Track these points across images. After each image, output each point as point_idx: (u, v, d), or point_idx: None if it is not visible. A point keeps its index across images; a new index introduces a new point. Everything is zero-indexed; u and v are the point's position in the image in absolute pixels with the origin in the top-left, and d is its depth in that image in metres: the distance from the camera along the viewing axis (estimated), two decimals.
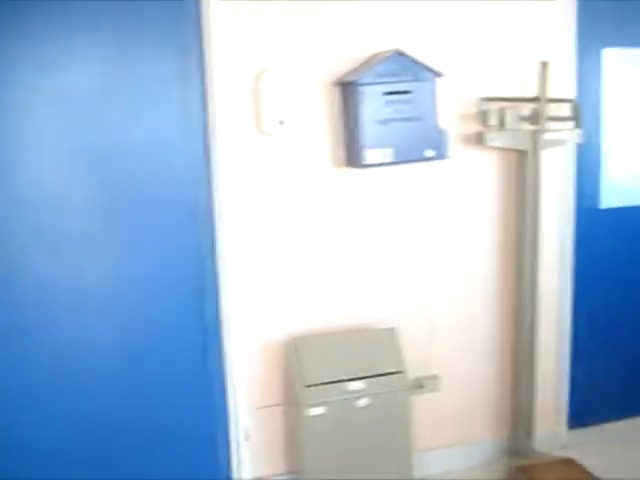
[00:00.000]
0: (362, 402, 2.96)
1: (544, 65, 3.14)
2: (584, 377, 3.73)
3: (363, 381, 2.96)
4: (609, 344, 3.79)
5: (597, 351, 3.76)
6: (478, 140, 3.20)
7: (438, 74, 2.97)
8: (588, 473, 3.27)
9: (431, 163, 3.09)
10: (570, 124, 3.27)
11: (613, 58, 3.52)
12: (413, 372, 3.22)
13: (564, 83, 3.34)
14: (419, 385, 3.29)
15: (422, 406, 3.31)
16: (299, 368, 2.96)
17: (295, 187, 3.03)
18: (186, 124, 2.88)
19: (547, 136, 3.21)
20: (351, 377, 2.96)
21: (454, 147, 3.18)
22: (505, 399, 3.52)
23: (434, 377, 3.35)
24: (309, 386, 2.91)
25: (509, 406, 3.53)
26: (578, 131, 3.29)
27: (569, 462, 3.37)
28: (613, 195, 3.65)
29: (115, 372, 2.94)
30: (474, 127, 3.22)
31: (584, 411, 3.77)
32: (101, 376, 2.92)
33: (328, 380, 2.94)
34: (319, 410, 2.92)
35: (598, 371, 3.78)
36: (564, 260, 3.52)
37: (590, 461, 3.42)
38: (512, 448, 3.54)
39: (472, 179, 3.29)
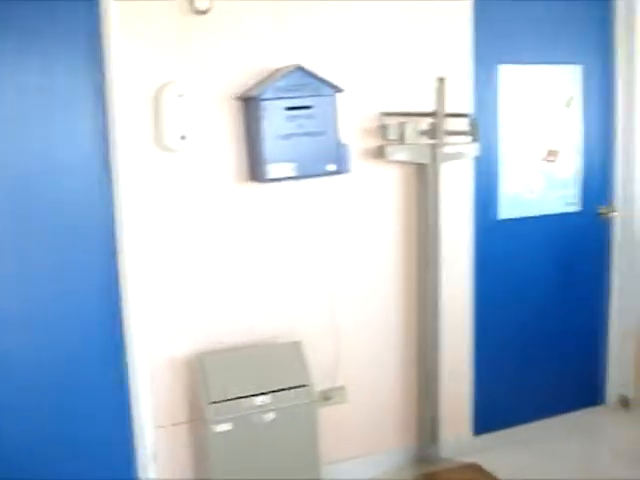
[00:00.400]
0: (269, 417, 2.96)
1: (441, 81, 3.23)
2: (488, 384, 3.83)
3: (269, 396, 2.96)
4: (510, 352, 3.91)
5: (499, 359, 3.87)
6: (379, 154, 3.26)
7: (338, 89, 3.01)
8: (492, 477, 3.37)
9: (333, 177, 3.13)
10: (468, 138, 3.38)
11: (507, 74, 3.66)
12: (320, 384, 3.24)
13: (462, 98, 3.45)
14: (326, 397, 3.32)
15: (330, 418, 3.33)
16: (204, 384, 2.93)
17: (198, 202, 3.01)
18: (85, 140, 2.82)
19: (446, 150, 3.31)
20: (257, 392, 2.95)
21: (356, 161, 3.23)
22: (411, 408, 3.59)
23: (341, 388, 3.38)
24: (215, 402, 2.89)
25: (415, 414, 3.59)
26: (475, 145, 3.40)
27: (474, 467, 3.46)
28: (509, 206, 3.78)
29: (17, 392, 2.84)
30: (375, 141, 3.28)
31: (488, 417, 3.87)
32: (2, 395, 2.82)
33: (234, 396, 2.92)
34: (225, 426, 2.90)
35: (500, 378, 3.89)
36: (465, 270, 3.61)
37: (494, 465, 3.52)
38: (419, 456, 3.60)
39: (374, 192, 3.35)
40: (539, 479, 3.45)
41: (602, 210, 4.01)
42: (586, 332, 4.12)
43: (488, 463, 3.54)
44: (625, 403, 4.18)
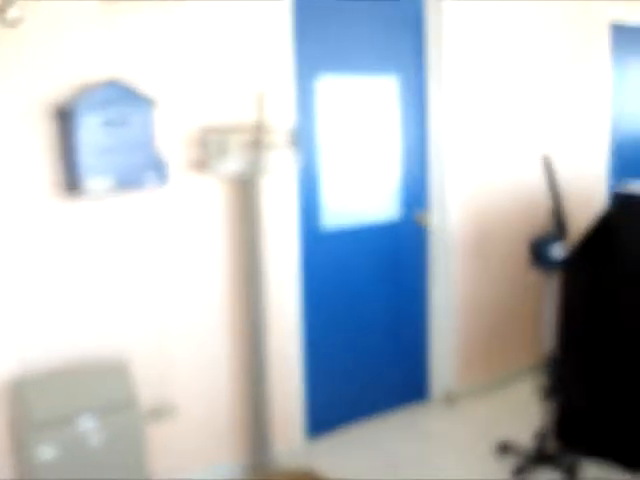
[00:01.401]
0: (94, 440, 2.86)
1: (260, 94, 3.28)
2: (319, 389, 3.93)
3: (94, 418, 2.86)
4: (340, 357, 4.03)
5: (329, 364, 3.98)
6: (201, 167, 3.26)
7: (154, 102, 2.99)
8: None
9: (155, 191, 3.10)
10: (289, 150, 3.45)
11: (329, 85, 3.77)
12: (148, 402, 3.18)
13: (284, 109, 3.51)
14: (156, 415, 3.26)
15: (160, 435, 3.28)
16: (25, 409, 2.80)
17: (11, 218, 2.88)
18: None
19: (267, 162, 3.35)
20: (81, 415, 2.85)
21: (179, 174, 3.22)
22: (243, 418, 3.60)
23: (171, 405, 3.33)
24: (36, 427, 2.76)
25: (246, 424, 3.60)
26: (297, 157, 3.47)
27: (307, 472, 3.51)
28: (334, 217, 3.89)
29: None
30: (198, 154, 3.27)
31: (322, 420, 3.97)
32: None
33: (56, 420, 2.81)
34: (49, 453, 2.78)
35: (332, 382, 4.00)
36: (291, 280, 3.68)
37: (328, 468, 3.60)
38: (253, 465, 3.61)
39: (198, 206, 3.34)
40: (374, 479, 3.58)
41: (419, 217, 4.22)
42: (410, 332, 4.32)
43: (321, 466, 3.62)
44: (450, 399, 4.42)
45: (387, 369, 4.24)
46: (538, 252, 3.45)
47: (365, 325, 4.11)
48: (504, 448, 3.77)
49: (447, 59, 4.11)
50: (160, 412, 3.28)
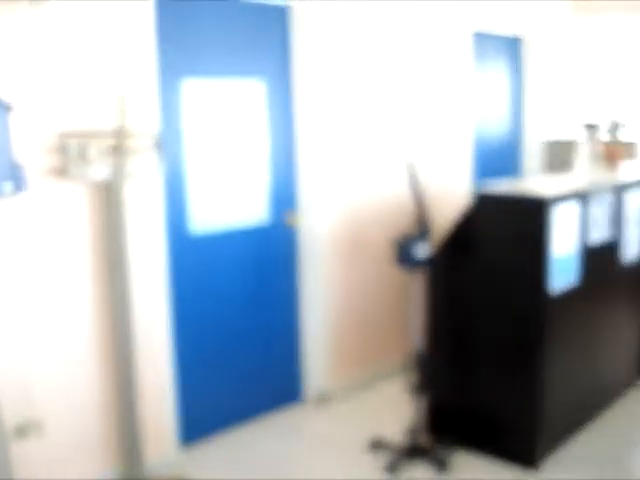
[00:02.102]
0: None
1: (121, 98, 3.21)
2: (193, 397, 3.88)
3: None
4: (213, 363, 3.99)
5: (202, 371, 3.94)
6: (62, 174, 3.15)
7: (10, 107, 2.86)
8: None
9: (12, 199, 2.96)
10: (154, 155, 3.39)
11: (195, 88, 3.73)
12: (13, 420, 3.04)
13: (147, 114, 3.44)
14: (21, 432, 3.12)
15: (33, 452, 3.14)
16: None
17: None
18: None
19: (131, 168, 3.28)
20: None
21: (38, 182, 3.09)
22: (114, 430, 3.50)
23: (37, 422, 3.20)
24: None
25: (118, 436, 3.51)
26: (162, 162, 3.42)
27: None
28: (203, 222, 3.86)
29: None
30: (58, 161, 3.16)
31: (197, 428, 3.92)
32: None
33: None
34: None
35: (205, 389, 3.96)
36: (160, 287, 3.61)
37: (204, 474, 3.57)
38: (127, 477, 3.52)
39: (59, 214, 3.22)
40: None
41: (289, 220, 4.26)
42: (283, 335, 4.34)
43: (197, 474, 3.58)
44: (324, 399, 4.47)
45: (260, 373, 4.25)
46: (403, 252, 3.55)
47: (237, 330, 4.09)
48: (377, 445, 3.85)
49: (313, 63, 4.16)
50: (25, 430, 3.14)
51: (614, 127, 4.86)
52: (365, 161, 4.57)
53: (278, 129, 4.16)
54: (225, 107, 3.89)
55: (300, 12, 4.12)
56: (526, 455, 3.65)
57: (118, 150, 3.21)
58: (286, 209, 4.26)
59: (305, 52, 4.15)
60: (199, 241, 3.85)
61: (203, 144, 3.82)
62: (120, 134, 3.20)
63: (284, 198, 4.24)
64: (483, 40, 5.56)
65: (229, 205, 3.96)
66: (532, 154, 6.07)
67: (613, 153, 4.69)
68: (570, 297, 3.74)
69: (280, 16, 4.10)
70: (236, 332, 4.09)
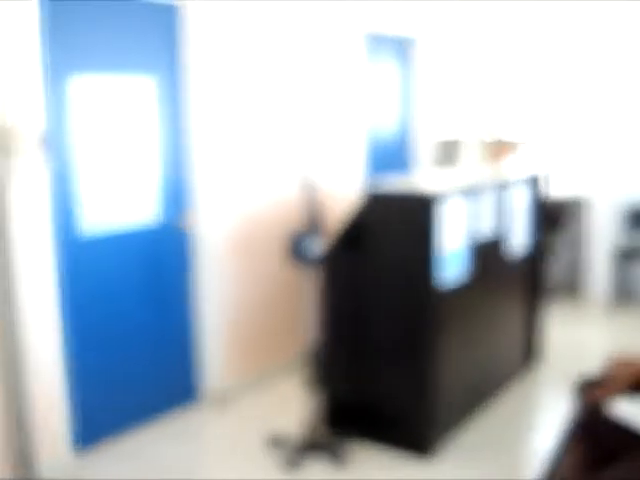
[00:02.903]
0: None
1: (2, 97, 3.11)
2: (87, 401, 3.80)
3: None
4: (108, 366, 3.92)
5: (98, 374, 3.86)
6: None
7: None
8: None
9: None
10: (39, 155, 3.30)
11: (83, 85, 3.64)
12: None
13: (32, 113, 3.34)
14: None
15: None
16: None
17: None
18: None
19: (14, 168, 3.18)
20: None
21: None
22: (5, 435, 3.39)
23: None
24: None
25: (9, 441, 3.40)
26: (48, 161, 3.33)
27: None
28: (92, 224, 3.78)
29: None
30: None
31: (92, 433, 3.84)
32: None
33: None
34: None
35: (100, 393, 3.88)
36: (49, 290, 3.52)
37: (99, 478, 3.51)
38: None
39: None
40: None
41: (182, 220, 4.23)
42: (178, 336, 4.31)
43: (89, 478, 3.52)
44: (221, 398, 4.46)
45: (157, 375, 4.20)
46: (296, 249, 3.59)
47: (132, 333, 4.03)
48: (275, 442, 3.88)
49: (204, 62, 4.14)
50: None
51: (499, 126, 5.06)
52: (258, 160, 4.59)
53: (170, 128, 4.12)
54: (115, 104, 3.82)
55: (190, 11, 4.10)
56: (420, 444, 3.76)
57: (0, 150, 3.11)
58: (180, 209, 4.22)
59: (196, 51, 4.13)
60: (90, 243, 3.77)
61: (93, 142, 3.73)
62: (2, 134, 3.10)
63: (177, 198, 4.21)
64: (375, 41, 5.67)
65: (121, 206, 3.90)
66: (423, 153, 6.24)
67: (498, 151, 4.88)
68: (459, 291, 3.88)
69: (170, 14, 4.06)
70: (131, 335, 4.03)
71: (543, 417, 4.29)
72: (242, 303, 4.57)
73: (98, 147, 3.76)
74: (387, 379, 3.81)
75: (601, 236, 6.48)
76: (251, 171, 4.55)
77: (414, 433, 3.78)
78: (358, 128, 5.42)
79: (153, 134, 4.03)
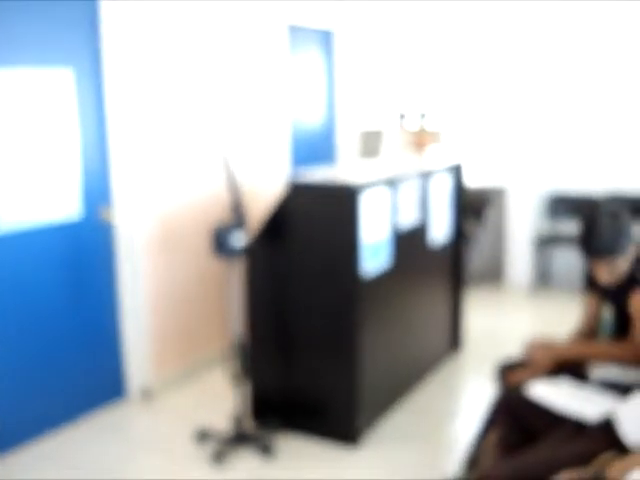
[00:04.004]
0: None
1: None
2: (6, 405, 3.69)
3: None
4: (28, 368, 3.81)
5: (16, 377, 3.75)
6: None
7: None
8: None
9: None
10: None
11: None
12: None
13: None
14: None
15: None
16: None
17: None
18: None
19: None
20: None
21: None
22: None
23: None
24: None
25: None
26: None
27: None
28: (6, 220, 3.65)
29: None
30: None
31: (12, 436, 3.74)
32: None
33: None
34: None
35: (20, 396, 3.77)
36: None
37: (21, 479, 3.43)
38: None
39: None
40: None
41: (104, 215, 4.14)
42: (101, 333, 4.22)
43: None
44: (147, 394, 4.40)
45: (81, 373, 4.10)
46: (220, 241, 3.56)
47: (53, 331, 3.93)
48: (203, 436, 3.84)
49: (124, 55, 4.06)
50: None
51: (421, 116, 5.12)
52: (181, 153, 4.53)
53: (89, 121, 4.02)
54: (31, 98, 3.70)
55: (110, 6, 4.00)
56: (347, 433, 3.79)
57: None
58: (100, 203, 4.13)
59: (116, 42, 4.03)
60: (6, 239, 3.65)
61: (8, 136, 3.61)
62: None
63: (98, 192, 4.11)
64: (298, 33, 5.66)
65: (38, 201, 3.78)
66: (347, 143, 6.27)
67: (420, 141, 4.94)
68: (382, 279, 3.91)
69: (90, 7, 3.96)
70: (52, 333, 3.92)
71: (467, 401, 4.38)
72: (167, 297, 4.51)
73: (15, 140, 3.64)
74: (313, 369, 3.82)
75: (521, 224, 6.65)
76: (174, 164, 4.48)
77: (341, 423, 3.81)
78: (281, 120, 5.40)
79: (72, 127, 3.92)
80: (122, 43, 4.06)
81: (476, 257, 6.76)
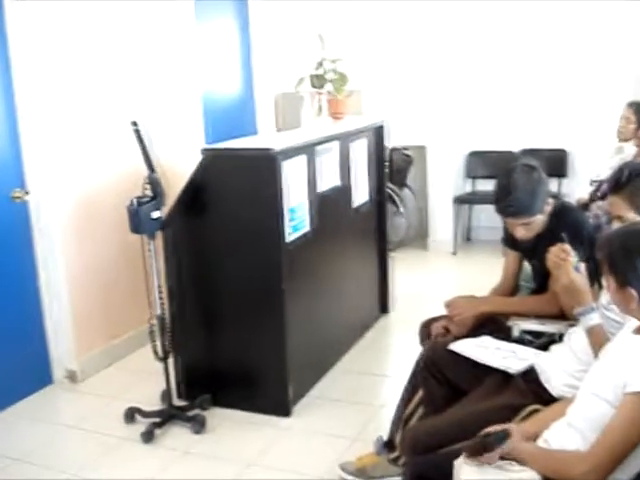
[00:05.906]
0: None
1: None
2: None
3: None
4: None
5: None
6: None
7: None
8: None
9: None
10: None
11: None
12: None
13: None
14: None
15: None
16: None
17: None
18: None
19: None
20: None
21: None
22: None
23: None
24: None
25: None
26: None
27: None
28: None
29: None
30: None
31: None
32: None
33: None
34: None
35: None
36: None
37: None
38: None
39: None
40: None
41: (15, 196, 3.97)
42: (21, 319, 4.08)
43: None
44: (73, 377, 4.28)
45: (3, 363, 3.94)
46: (136, 217, 3.46)
47: None
48: (132, 415, 3.77)
49: (30, 37, 3.88)
50: None
51: (341, 79, 5.02)
52: (94, 130, 4.37)
53: None
54: None
55: None
56: (279, 403, 3.77)
57: None
58: (12, 185, 3.95)
59: (21, 18, 3.84)
60: None
61: None
62: None
63: (8, 173, 3.93)
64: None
65: None
66: (265, 110, 6.15)
67: (338, 104, 4.90)
68: (306, 244, 3.88)
69: None
70: None
71: (397, 363, 4.41)
72: (89, 278, 4.37)
73: None
74: (241, 341, 3.78)
75: (441, 183, 6.71)
76: (88, 142, 4.33)
77: (271, 393, 3.79)
78: (192, 88, 5.25)
79: None
80: (27, 18, 3.87)
81: (403, 218, 6.76)
